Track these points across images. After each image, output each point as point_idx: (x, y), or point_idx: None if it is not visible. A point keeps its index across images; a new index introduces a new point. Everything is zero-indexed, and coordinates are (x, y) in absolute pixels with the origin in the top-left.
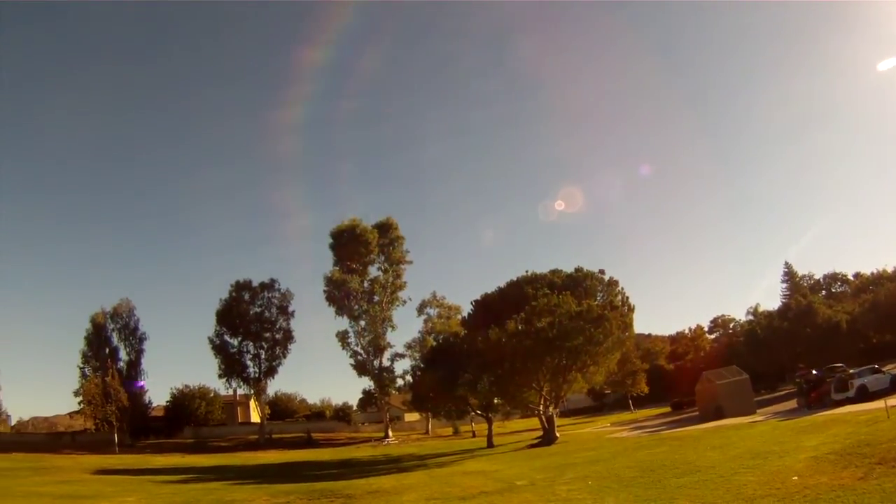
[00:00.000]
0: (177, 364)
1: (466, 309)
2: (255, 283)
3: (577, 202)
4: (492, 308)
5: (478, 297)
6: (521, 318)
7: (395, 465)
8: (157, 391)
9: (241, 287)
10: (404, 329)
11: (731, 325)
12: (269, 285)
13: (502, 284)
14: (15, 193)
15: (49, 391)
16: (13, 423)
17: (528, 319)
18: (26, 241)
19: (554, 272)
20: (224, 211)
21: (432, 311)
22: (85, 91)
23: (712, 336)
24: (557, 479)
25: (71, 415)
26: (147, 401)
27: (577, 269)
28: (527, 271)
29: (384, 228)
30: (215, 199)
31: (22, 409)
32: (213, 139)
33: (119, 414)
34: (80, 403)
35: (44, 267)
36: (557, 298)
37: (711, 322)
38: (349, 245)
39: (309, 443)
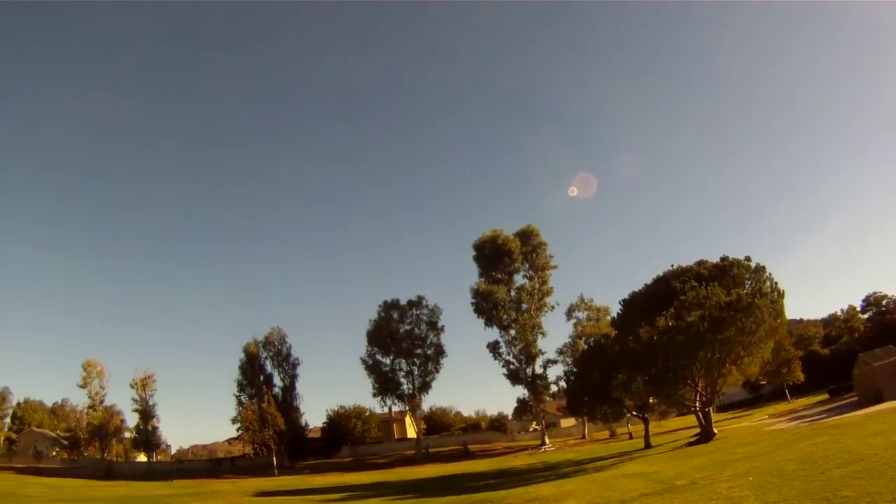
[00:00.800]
0: (331, 386)
1: (615, 309)
2: (402, 302)
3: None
4: (641, 306)
5: (626, 297)
6: (670, 313)
7: (552, 471)
8: (314, 414)
9: (389, 306)
10: (555, 334)
11: (884, 302)
12: (417, 302)
13: (649, 281)
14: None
15: (207, 420)
16: (174, 451)
17: (678, 314)
18: (182, 283)
19: (700, 263)
20: (367, 233)
21: (581, 315)
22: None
23: (865, 315)
24: (717, 476)
25: (229, 441)
26: (304, 423)
27: (723, 259)
28: (672, 265)
29: (525, 236)
30: (359, 222)
31: (182, 439)
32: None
33: (277, 438)
34: (238, 430)
35: (199, 301)
36: (706, 290)
37: (864, 301)
38: (492, 256)
39: (466, 455)
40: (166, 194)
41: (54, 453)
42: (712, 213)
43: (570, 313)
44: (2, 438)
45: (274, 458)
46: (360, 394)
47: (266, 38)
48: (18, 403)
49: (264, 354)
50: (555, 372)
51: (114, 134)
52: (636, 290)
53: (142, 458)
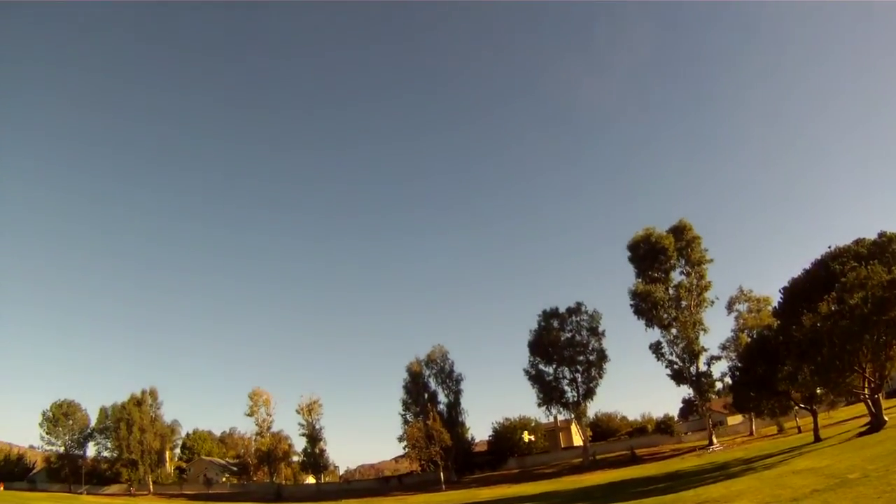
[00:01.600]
0: (495, 398)
1: (776, 298)
2: (561, 310)
3: None
4: (801, 292)
5: (785, 284)
6: (832, 297)
7: (721, 472)
8: (479, 427)
9: (549, 315)
10: (717, 330)
11: None
12: (576, 309)
13: (807, 266)
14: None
15: (374, 440)
16: (342, 472)
17: (840, 297)
18: (342, 308)
19: (858, 242)
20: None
21: (742, 307)
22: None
23: None
24: (891, 467)
25: (396, 459)
26: (470, 438)
27: (881, 234)
28: (830, 247)
29: (678, 231)
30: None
31: (349, 460)
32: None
33: (443, 453)
34: (404, 448)
35: (360, 325)
36: (866, 270)
37: None
38: (647, 255)
39: (633, 460)
40: (329, 225)
41: (224, 479)
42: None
43: (730, 307)
44: (173, 467)
45: (441, 474)
46: (524, 404)
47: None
48: (188, 434)
49: (427, 372)
50: (719, 368)
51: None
52: (795, 276)
53: (310, 480)
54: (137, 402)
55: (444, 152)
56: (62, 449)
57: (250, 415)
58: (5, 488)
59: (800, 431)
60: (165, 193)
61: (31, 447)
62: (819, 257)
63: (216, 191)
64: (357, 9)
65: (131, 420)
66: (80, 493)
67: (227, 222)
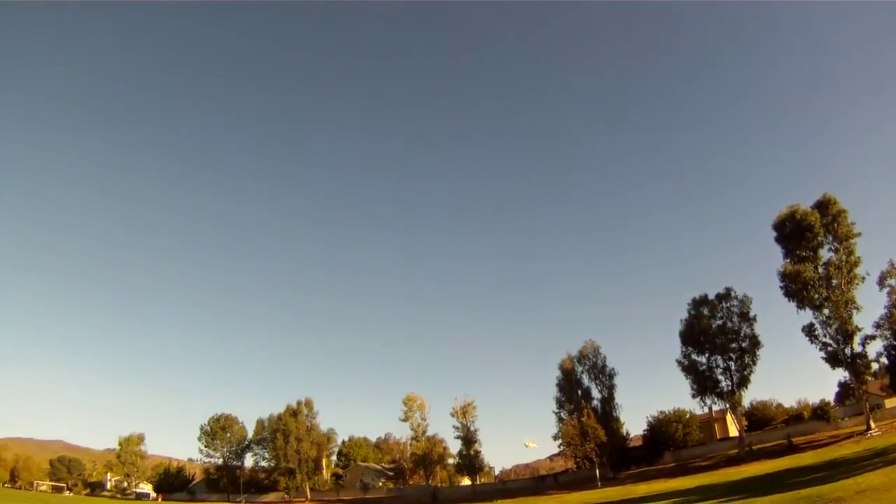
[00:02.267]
0: (648, 392)
1: None
2: (711, 296)
3: None
4: None
5: None
6: None
7: (881, 458)
8: (633, 422)
9: (698, 303)
10: (869, 308)
11: None
12: (726, 295)
13: None
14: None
15: (528, 439)
16: (497, 472)
17: None
18: (490, 311)
19: None
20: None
21: (894, 282)
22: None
23: None
24: None
25: (551, 458)
26: (625, 433)
27: None
28: None
29: (823, 206)
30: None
31: (504, 460)
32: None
33: (598, 450)
34: (559, 446)
35: (510, 325)
36: None
37: None
38: (793, 233)
39: (790, 449)
40: (473, 222)
41: (380, 484)
42: None
43: (882, 282)
44: (329, 474)
45: (597, 471)
46: (678, 396)
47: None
48: (344, 441)
49: (580, 368)
50: (874, 349)
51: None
52: None
53: (465, 481)
54: (293, 413)
55: (597, 153)
56: (220, 460)
57: (405, 420)
58: (164, 499)
59: None
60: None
61: (190, 460)
62: None
63: (365, 194)
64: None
65: (287, 430)
66: (239, 502)
67: (373, 223)
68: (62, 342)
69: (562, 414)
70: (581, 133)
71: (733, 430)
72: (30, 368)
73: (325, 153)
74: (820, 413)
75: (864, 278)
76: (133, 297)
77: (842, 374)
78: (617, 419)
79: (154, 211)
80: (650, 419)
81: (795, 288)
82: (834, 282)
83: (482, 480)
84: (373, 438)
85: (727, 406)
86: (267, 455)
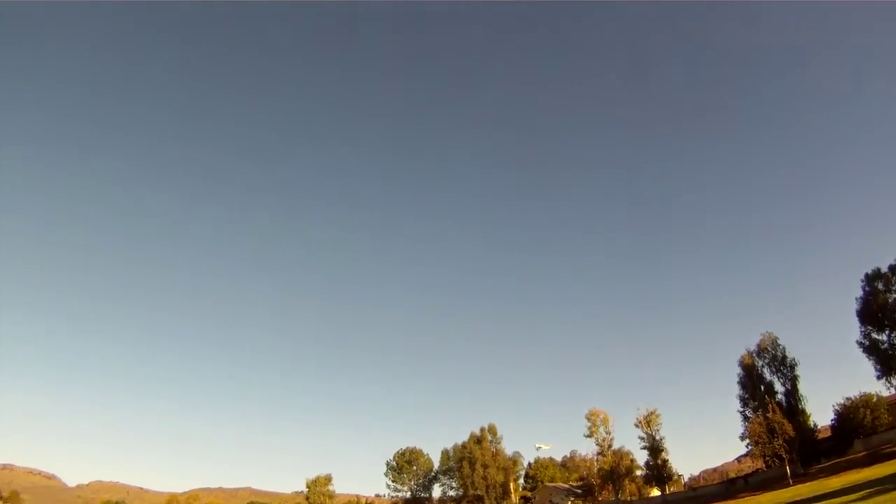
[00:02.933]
0: (827, 379)
1: None
2: (884, 269)
3: None
4: None
5: None
6: None
7: None
8: (819, 413)
9: (872, 278)
10: None
11: None
12: None
13: None
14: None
15: (713, 442)
16: (686, 480)
17: None
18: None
19: None
20: None
21: None
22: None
23: None
24: None
25: (739, 459)
26: (812, 425)
27: None
28: None
29: None
30: None
31: (691, 466)
32: None
33: (786, 446)
34: (747, 446)
35: (678, 328)
36: None
37: None
38: None
39: None
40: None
41: (569, 503)
42: None
43: None
44: (517, 497)
45: (787, 468)
46: (861, 380)
47: None
48: (530, 464)
49: (760, 363)
50: None
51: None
52: None
53: (654, 492)
54: (478, 440)
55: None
56: (408, 493)
57: (590, 436)
58: None
59: None
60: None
61: (378, 496)
62: None
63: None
64: None
65: (473, 458)
66: None
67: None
68: (240, 394)
69: (746, 412)
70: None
71: None
72: (216, 423)
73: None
74: None
75: None
76: (312, 343)
77: None
78: (803, 411)
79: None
80: (836, 407)
81: None
82: None
83: (671, 490)
84: (558, 458)
85: None
86: (454, 484)
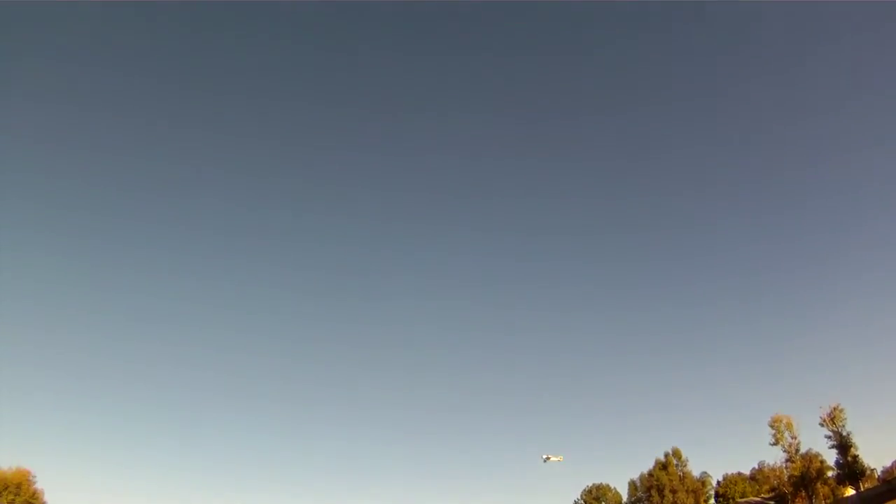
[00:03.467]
0: None
1: None
2: None
3: None
4: None
5: None
6: None
7: None
8: None
9: None
10: None
11: None
12: None
13: None
14: None
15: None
16: (879, 473)
17: None
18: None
19: None
20: None
21: None
22: None
23: None
24: None
25: None
26: None
27: None
28: None
29: None
30: None
31: (882, 458)
32: None
33: None
34: None
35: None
36: None
37: None
38: None
39: None
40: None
41: None
42: None
43: None
44: None
45: None
46: None
47: None
48: (718, 482)
49: None
50: None
51: None
52: None
53: (849, 492)
54: (663, 466)
55: None
56: None
57: (775, 443)
58: None
59: None
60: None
61: None
62: None
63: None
64: None
65: (661, 484)
66: None
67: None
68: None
69: None
70: None
71: None
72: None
73: None
74: None
75: None
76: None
77: None
78: None
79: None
80: None
81: None
82: None
83: (866, 486)
84: (746, 471)
85: None
86: None
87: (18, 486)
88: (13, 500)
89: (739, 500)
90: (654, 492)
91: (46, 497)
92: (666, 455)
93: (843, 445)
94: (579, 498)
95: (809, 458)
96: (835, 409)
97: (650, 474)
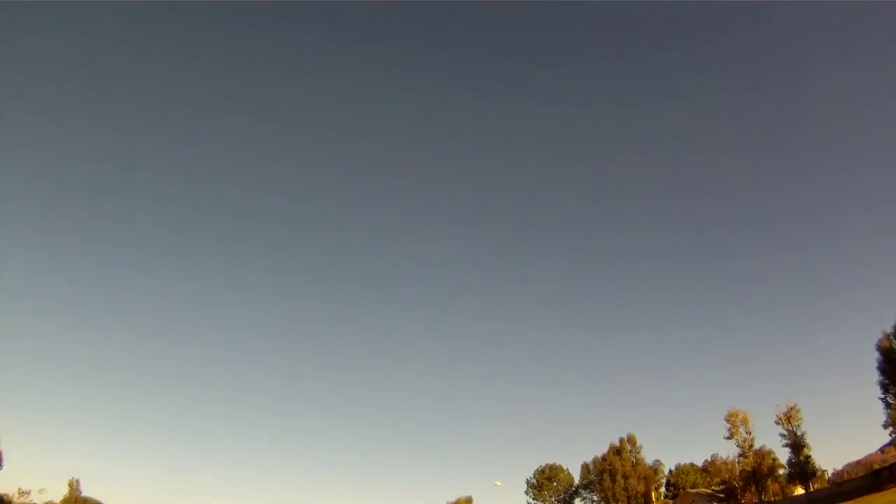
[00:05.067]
0: None
1: None
2: None
3: None
4: None
5: None
6: None
7: None
8: None
9: None
10: None
11: None
12: None
13: None
14: None
15: (855, 432)
16: (830, 475)
17: None
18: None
19: None
20: None
21: None
22: None
23: None
24: None
25: (882, 449)
26: None
27: None
28: None
29: None
30: None
31: (834, 460)
32: None
33: None
34: (890, 434)
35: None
36: None
37: None
38: None
39: None
40: None
41: None
42: None
43: None
44: None
45: None
46: None
47: None
48: (671, 471)
49: None
50: None
51: None
52: None
53: (798, 491)
54: (617, 451)
55: None
56: None
57: (730, 437)
58: None
59: None
60: None
61: None
62: None
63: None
64: None
65: (613, 469)
66: None
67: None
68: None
69: (888, 398)
70: None
71: None
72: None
73: None
74: None
75: None
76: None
77: None
78: None
79: None
80: None
81: None
82: None
83: (815, 486)
84: (699, 462)
85: None
86: (595, 497)
87: None
88: None
89: (690, 490)
90: (606, 475)
91: None
92: (621, 440)
93: (796, 445)
94: (532, 476)
95: (762, 454)
96: (791, 408)
97: (603, 458)
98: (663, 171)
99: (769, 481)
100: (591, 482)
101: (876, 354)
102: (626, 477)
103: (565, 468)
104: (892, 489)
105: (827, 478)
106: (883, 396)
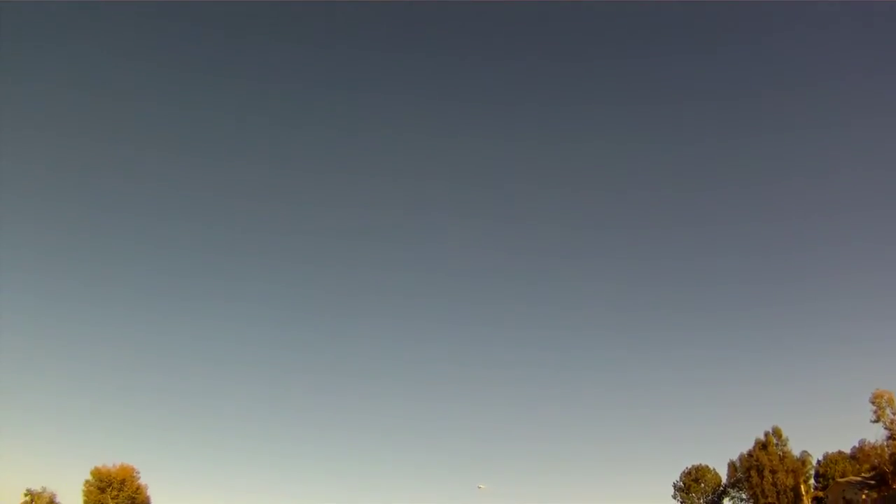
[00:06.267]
0: None
1: None
2: None
3: None
4: None
5: None
6: None
7: None
8: None
9: None
10: None
11: None
12: None
13: None
14: None
15: None
16: None
17: None
18: None
19: None
20: None
21: None
22: None
23: None
24: None
25: None
26: None
27: None
28: None
29: None
30: None
31: None
32: None
33: None
34: None
35: None
36: None
37: None
38: None
39: None
40: None
41: (863, 497)
42: None
43: None
44: (809, 499)
45: None
46: None
47: None
48: (818, 461)
49: None
50: None
51: None
52: None
53: None
54: (763, 446)
55: None
56: None
57: (876, 420)
58: None
59: None
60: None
61: None
62: None
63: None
64: None
65: (760, 465)
66: None
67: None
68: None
69: None
70: None
71: None
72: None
73: None
74: None
75: None
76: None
77: None
78: None
79: None
80: None
81: None
82: None
83: None
84: (847, 449)
85: None
86: (744, 496)
87: (123, 481)
88: (117, 495)
89: (840, 479)
90: (753, 472)
91: (150, 492)
92: (766, 434)
93: None
94: (678, 479)
95: None
96: None
97: (749, 454)
98: None
99: None
100: (738, 480)
101: None
102: (773, 472)
103: (712, 468)
104: None
105: None
106: None
